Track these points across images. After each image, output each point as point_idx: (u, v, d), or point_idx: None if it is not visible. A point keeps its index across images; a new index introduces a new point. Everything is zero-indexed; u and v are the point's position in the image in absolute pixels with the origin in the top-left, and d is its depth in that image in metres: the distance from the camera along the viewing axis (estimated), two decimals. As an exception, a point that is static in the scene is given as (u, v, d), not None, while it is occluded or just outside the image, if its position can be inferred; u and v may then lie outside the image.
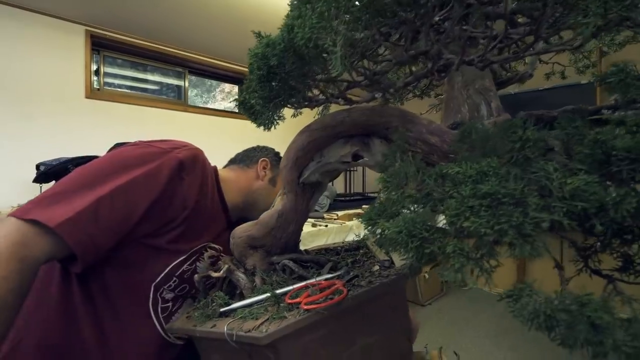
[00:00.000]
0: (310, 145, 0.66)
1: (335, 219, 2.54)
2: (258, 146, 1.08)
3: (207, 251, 0.77)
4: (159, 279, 0.72)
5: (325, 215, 2.68)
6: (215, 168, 0.90)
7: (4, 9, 2.21)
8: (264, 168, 0.97)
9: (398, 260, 0.68)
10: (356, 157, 0.68)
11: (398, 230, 0.35)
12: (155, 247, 0.70)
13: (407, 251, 0.35)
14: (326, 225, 2.32)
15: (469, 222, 0.30)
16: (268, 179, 0.96)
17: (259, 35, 0.42)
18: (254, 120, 0.55)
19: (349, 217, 2.57)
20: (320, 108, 0.75)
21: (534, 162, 0.34)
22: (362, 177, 4.45)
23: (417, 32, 0.43)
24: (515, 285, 0.32)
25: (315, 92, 0.53)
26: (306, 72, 0.45)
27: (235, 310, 0.61)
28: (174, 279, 0.74)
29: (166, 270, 0.73)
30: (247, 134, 3.48)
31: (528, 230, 0.28)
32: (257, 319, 0.55)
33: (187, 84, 3.36)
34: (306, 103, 0.53)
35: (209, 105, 3.67)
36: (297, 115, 0.76)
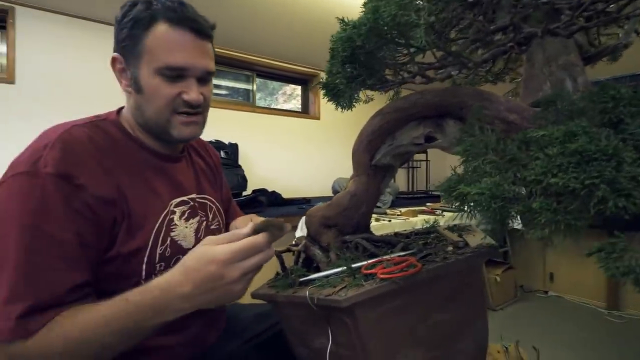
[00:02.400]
0: (383, 128, 0.69)
1: (398, 215, 2.51)
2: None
3: (174, 214, 0.67)
4: (144, 277, 0.62)
5: (388, 211, 2.66)
6: (116, 119, 0.67)
7: (72, 20, 2.45)
8: (120, 71, 0.64)
9: (475, 241, 0.67)
10: (429, 139, 0.69)
11: (480, 192, 0.36)
12: (114, 258, 0.59)
13: (489, 213, 0.37)
14: (389, 220, 2.31)
15: (557, 178, 0.31)
16: (131, 86, 0.64)
17: (342, 21, 0.46)
18: (336, 101, 0.59)
19: (413, 213, 2.52)
20: (392, 93, 0.78)
21: (630, 123, 0.33)
22: (425, 174, 4.32)
23: (497, 3, 0.43)
24: (606, 241, 0.31)
25: (392, 73, 0.55)
26: (385, 55, 0.48)
27: (313, 280, 0.66)
28: (158, 265, 0.64)
29: (144, 267, 0.62)
30: (311, 132, 3.61)
31: (623, 184, 0.28)
32: (334, 287, 0.59)
33: (255, 88, 3.58)
34: (379, 86, 0.56)
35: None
36: (369, 101, 0.79)
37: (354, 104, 0.60)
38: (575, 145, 0.31)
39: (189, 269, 0.50)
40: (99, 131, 0.62)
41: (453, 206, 0.44)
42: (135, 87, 0.63)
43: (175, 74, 0.61)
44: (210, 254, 0.49)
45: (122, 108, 0.71)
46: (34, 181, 0.52)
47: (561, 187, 0.31)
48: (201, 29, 0.64)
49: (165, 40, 0.60)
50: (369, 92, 0.72)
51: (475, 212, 0.38)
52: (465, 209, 0.38)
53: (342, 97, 0.54)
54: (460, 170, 0.50)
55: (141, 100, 0.64)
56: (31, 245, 0.51)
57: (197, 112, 0.67)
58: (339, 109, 0.60)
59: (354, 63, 0.48)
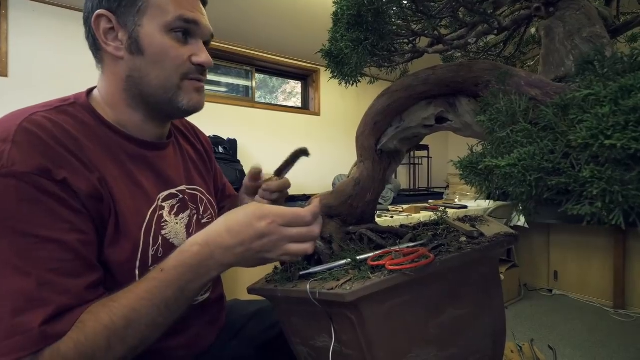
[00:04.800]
0: (390, 108, 0.63)
1: (400, 212, 2.46)
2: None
3: (163, 209, 0.60)
4: (137, 273, 0.56)
5: (390, 208, 2.61)
6: (86, 102, 0.58)
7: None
8: (105, 33, 0.55)
9: (491, 232, 0.62)
10: (440, 120, 0.64)
11: (512, 163, 0.31)
12: (101, 265, 0.54)
13: (522, 188, 0.31)
14: (392, 217, 2.26)
15: (614, 139, 0.25)
16: (126, 49, 0.55)
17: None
18: (339, 72, 0.54)
19: (416, 210, 2.47)
20: (399, 74, 0.72)
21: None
22: (427, 171, 4.26)
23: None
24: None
25: (403, 46, 0.50)
26: (394, 15, 0.42)
27: (314, 274, 0.61)
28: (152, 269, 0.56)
29: (137, 274, 0.56)
30: (311, 128, 3.55)
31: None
32: (338, 280, 0.54)
33: (254, 84, 3.53)
34: (386, 57, 0.50)
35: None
36: (374, 81, 0.74)
37: (359, 79, 0.54)
38: (634, 101, 0.25)
39: (231, 220, 0.51)
40: (67, 118, 0.53)
41: (475, 183, 0.39)
42: (133, 48, 0.55)
43: (185, 30, 0.57)
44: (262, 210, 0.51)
45: (92, 89, 0.62)
46: (2, 183, 0.44)
47: (618, 150, 0.25)
48: None
49: None
50: (374, 71, 0.66)
51: (505, 188, 0.33)
52: (495, 180, 0.32)
53: (348, 66, 0.48)
54: (479, 148, 0.45)
55: (142, 64, 0.56)
56: (31, 253, 0.44)
57: (204, 78, 0.62)
58: (343, 84, 0.54)
59: (361, 26, 0.42)
